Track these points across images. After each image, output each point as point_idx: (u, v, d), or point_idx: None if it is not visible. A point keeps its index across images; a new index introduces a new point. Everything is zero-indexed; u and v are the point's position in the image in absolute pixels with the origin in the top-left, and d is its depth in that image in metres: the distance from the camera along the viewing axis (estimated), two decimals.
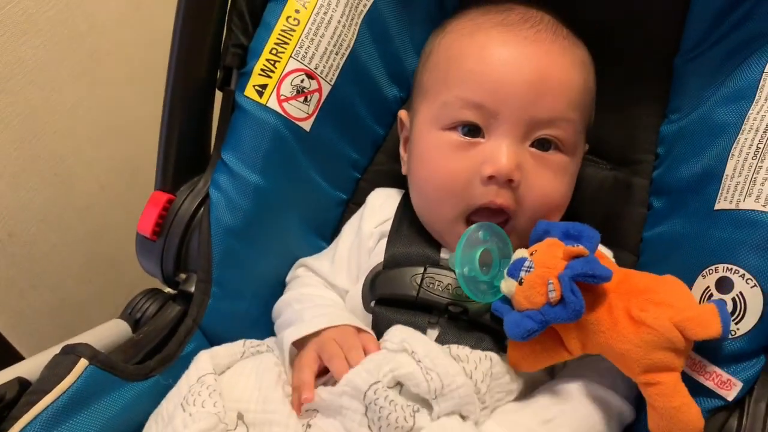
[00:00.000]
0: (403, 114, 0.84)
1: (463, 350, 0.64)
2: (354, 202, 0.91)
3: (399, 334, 0.64)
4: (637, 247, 0.82)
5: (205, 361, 0.66)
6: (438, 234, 0.76)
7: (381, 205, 0.84)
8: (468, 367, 0.62)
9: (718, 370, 0.61)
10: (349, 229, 0.85)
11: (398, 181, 0.85)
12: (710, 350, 0.62)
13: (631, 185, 0.84)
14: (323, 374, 0.66)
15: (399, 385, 0.60)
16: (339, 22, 0.79)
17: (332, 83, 0.81)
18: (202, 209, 0.78)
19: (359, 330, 0.69)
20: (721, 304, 0.60)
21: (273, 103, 0.77)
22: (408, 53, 0.89)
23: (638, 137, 0.84)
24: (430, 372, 0.59)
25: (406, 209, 0.80)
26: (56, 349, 0.66)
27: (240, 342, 0.73)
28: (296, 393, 0.66)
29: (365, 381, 0.59)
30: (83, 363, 0.63)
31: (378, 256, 0.76)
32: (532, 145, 0.71)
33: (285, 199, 0.81)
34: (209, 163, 0.80)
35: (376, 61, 0.86)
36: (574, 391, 0.65)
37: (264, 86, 0.77)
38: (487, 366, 0.64)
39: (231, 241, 0.77)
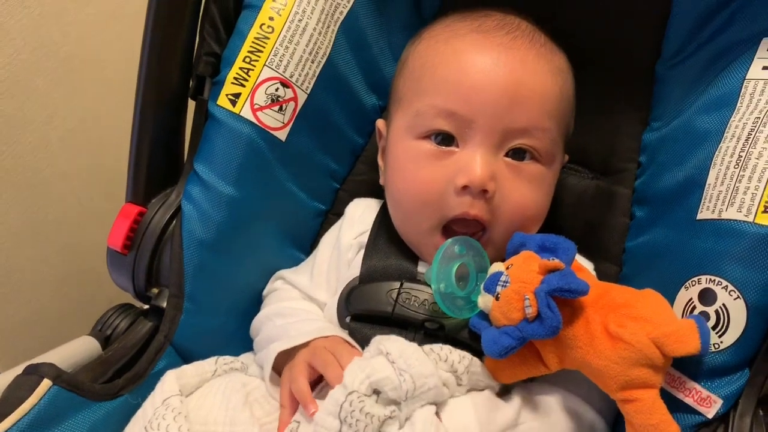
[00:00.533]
0: (380, 123, 0.82)
1: (436, 346, 0.63)
2: (333, 212, 0.89)
3: (376, 340, 0.63)
4: (619, 257, 0.80)
5: (170, 382, 0.64)
6: (414, 245, 0.74)
7: (360, 215, 0.82)
8: (443, 353, 0.61)
9: (698, 387, 0.60)
10: (327, 240, 0.83)
11: (379, 191, 0.83)
12: (693, 365, 0.61)
13: (613, 194, 0.83)
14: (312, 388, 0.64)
15: (376, 392, 0.58)
16: (314, 29, 0.78)
17: (308, 92, 0.79)
18: (174, 222, 0.76)
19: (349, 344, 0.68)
20: (701, 319, 0.59)
21: (247, 113, 0.75)
22: (386, 61, 0.88)
23: (620, 145, 0.83)
24: (404, 373, 0.58)
25: (384, 220, 0.79)
26: (20, 370, 0.64)
27: (212, 359, 0.71)
28: (284, 410, 0.64)
29: (342, 392, 0.58)
30: (46, 383, 0.61)
31: (356, 268, 0.75)
32: (507, 155, 0.69)
33: (260, 211, 0.79)
34: (182, 174, 0.78)
35: (354, 69, 0.85)
36: (549, 399, 0.64)
37: (237, 95, 0.75)
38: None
39: (204, 254, 0.75)
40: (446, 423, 0.59)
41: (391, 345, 0.60)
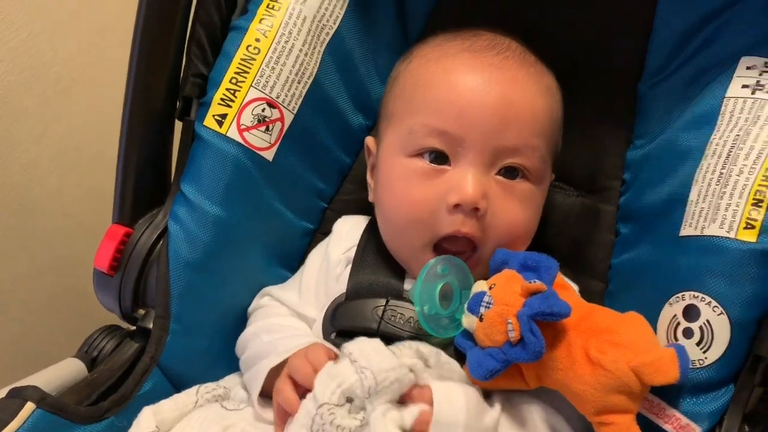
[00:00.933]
0: (369, 141, 0.83)
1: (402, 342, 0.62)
2: (321, 231, 0.89)
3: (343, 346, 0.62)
4: (605, 274, 0.80)
5: (147, 419, 0.64)
6: (404, 262, 0.74)
7: (348, 231, 0.82)
8: (413, 344, 0.61)
9: (678, 414, 0.60)
10: (315, 256, 0.83)
11: (366, 209, 0.84)
12: (676, 386, 0.60)
13: (598, 212, 0.83)
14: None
15: (349, 400, 0.58)
16: (301, 50, 0.78)
17: (295, 112, 0.80)
18: (161, 243, 0.76)
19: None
20: (682, 348, 0.59)
21: (233, 133, 0.75)
22: (373, 81, 0.88)
23: (605, 163, 0.83)
24: (365, 371, 0.57)
25: (371, 236, 0.79)
26: (4, 392, 0.63)
27: (193, 390, 0.71)
28: (277, 428, 0.63)
29: (313, 404, 0.57)
30: (30, 407, 0.61)
31: (344, 283, 0.74)
32: (498, 174, 0.70)
33: (247, 231, 0.79)
34: (168, 195, 0.78)
35: (341, 89, 0.85)
36: (528, 410, 0.64)
37: (224, 116, 0.75)
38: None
39: (190, 275, 0.75)
40: (437, 399, 0.58)
41: (353, 346, 0.60)
